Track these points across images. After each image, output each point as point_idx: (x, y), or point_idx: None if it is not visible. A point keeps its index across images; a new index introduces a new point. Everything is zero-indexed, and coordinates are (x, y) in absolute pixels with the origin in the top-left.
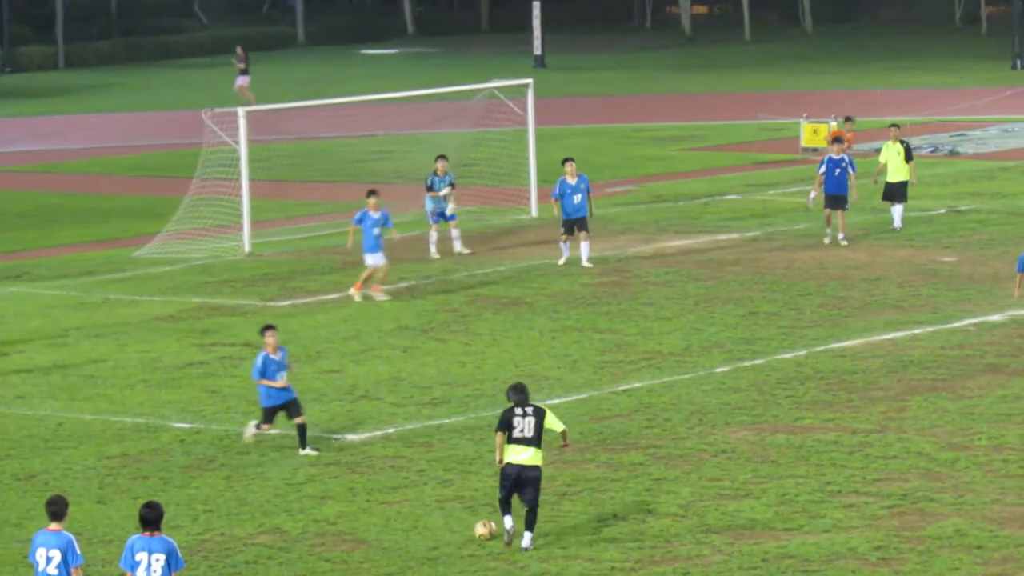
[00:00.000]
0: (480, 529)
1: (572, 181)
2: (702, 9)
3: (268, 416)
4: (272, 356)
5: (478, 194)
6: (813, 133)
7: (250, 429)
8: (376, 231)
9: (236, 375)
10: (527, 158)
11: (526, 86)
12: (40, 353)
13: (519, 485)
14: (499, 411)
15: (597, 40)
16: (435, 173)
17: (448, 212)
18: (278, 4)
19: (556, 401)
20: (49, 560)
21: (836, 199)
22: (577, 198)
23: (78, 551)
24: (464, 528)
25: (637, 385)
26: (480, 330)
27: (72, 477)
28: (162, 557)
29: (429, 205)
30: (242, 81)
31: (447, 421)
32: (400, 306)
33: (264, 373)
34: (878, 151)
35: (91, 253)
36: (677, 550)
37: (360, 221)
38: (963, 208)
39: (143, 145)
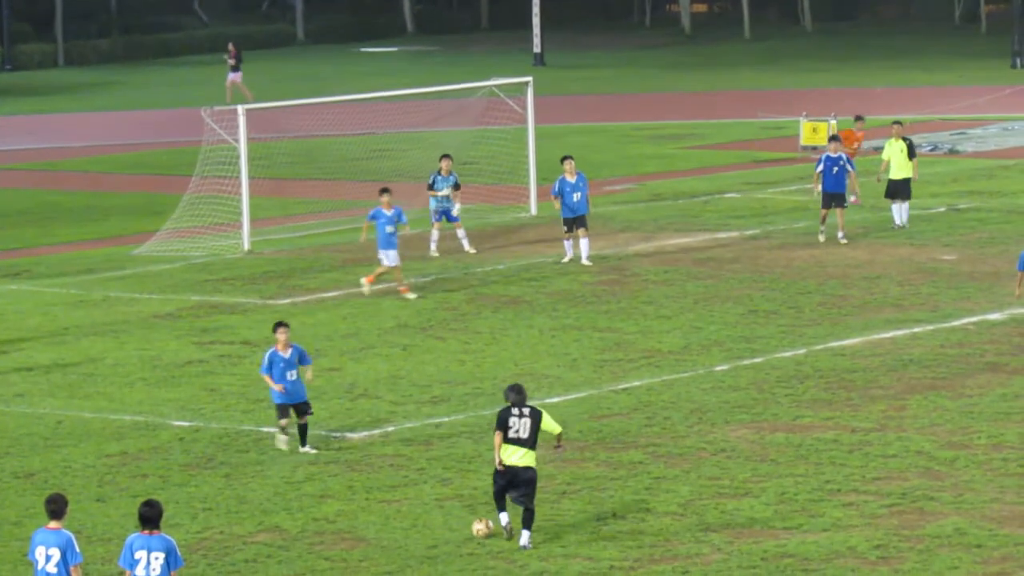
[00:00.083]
0: (478, 527)
1: (571, 179)
2: (702, 7)
3: (281, 412)
4: (281, 353)
5: (478, 192)
6: (813, 131)
7: (281, 438)
8: (389, 228)
9: (235, 373)
10: (527, 156)
11: (526, 84)
12: (39, 351)
13: (513, 485)
14: (498, 409)
15: (597, 38)
16: (439, 172)
17: (454, 212)
18: (278, 2)
19: (555, 400)
20: (48, 558)
21: (835, 197)
22: (576, 196)
23: (77, 549)
24: (463, 527)
25: (636, 383)
26: (480, 328)
27: (71, 475)
28: (161, 555)
29: (432, 204)
30: (234, 77)
31: (446, 419)
32: (399, 304)
33: (271, 369)
34: (880, 149)
35: (91, 251)
36: (676, 549)
37: (374, 218)
38: (963, 206)
39: (143, 143)
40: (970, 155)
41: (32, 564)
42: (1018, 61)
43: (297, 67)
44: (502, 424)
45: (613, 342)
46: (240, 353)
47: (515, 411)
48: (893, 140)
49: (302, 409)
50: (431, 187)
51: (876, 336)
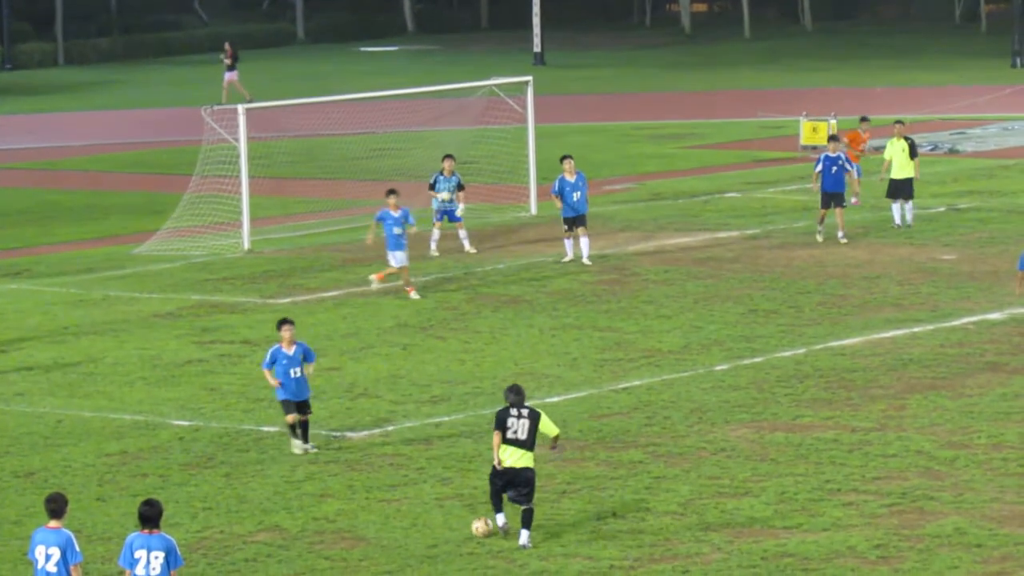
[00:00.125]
0: (477, 526)
1: (571, 178)
2: (702, 7)
3: (286, 408)
4: (285, 351)
5: (478, 192)
6: (813, 131)
7: (295, 443)
8: (397, 230)
9: (235, 372)
10: (527, 155)
11: (526, 83)
12: (40, 350)
13: (512, 484)
14: (497, 410)
15: (597, 38)
16: (441, 172)
17: (458, 213)
18: (278, 1)
19: (556, 399)
20: (48, 558)
21: (834, 196)
22: (576, 195)
23: (77, 548)
24: (463, 526)
25: (636, 383)
26: (479, 328)
27: (71, 474)
28: (161, 555)
29: (434, 203)
30: (230, 76)
31: (446, 419)
32: (399, 304)
33: (273, 366)
34: (882, 149)
35: (91, 250)
36: (676, 548)
37: (381, 220)
38: (963, 206)
39: (143, 142)
40: (970, 155)
41: (32, 563)
42: (1018, 61)
43: (297, 66)
44: (500, 424)
45: (613, 341)
46: (240, 352)
47: (514, 412)
48: (895, 140)
49: (303, 409)
50: (432, 187)
51: (876, 336)
